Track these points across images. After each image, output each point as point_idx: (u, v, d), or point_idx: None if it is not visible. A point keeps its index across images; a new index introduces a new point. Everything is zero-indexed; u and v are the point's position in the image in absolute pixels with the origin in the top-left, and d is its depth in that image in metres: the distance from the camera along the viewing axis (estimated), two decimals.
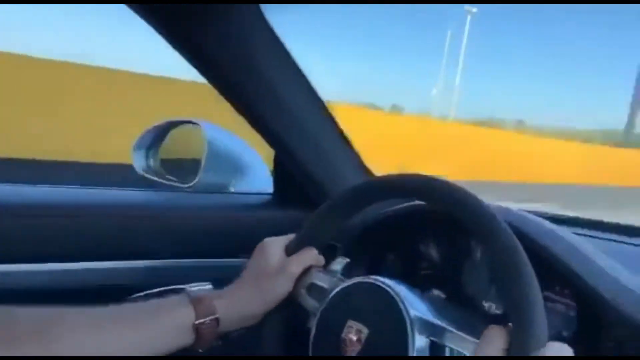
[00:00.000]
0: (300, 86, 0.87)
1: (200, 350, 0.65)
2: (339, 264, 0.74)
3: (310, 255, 0.72)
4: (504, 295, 0.52)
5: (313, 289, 0.71)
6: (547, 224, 0.72)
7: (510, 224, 0.56)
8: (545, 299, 0.74)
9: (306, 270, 0.71)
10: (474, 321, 0.59)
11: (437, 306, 0.62)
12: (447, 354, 0.57)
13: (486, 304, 0.75)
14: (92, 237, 0.84)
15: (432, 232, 0.86)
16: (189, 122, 1.06)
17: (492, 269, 0.55)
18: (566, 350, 0.49)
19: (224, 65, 0.80)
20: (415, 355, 0.56)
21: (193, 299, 0.65)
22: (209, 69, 0.82)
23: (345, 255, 0.87)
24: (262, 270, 0.70)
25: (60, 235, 0.81)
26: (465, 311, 0.74)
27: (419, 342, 0.57)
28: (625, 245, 0.96)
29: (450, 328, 0.57)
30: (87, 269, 0.82)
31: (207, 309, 0.64)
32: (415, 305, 0.60)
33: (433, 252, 0.88)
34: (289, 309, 0.71)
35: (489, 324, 0.53)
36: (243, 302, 0.68)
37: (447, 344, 0.57)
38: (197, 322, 0.63)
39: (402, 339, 0.57)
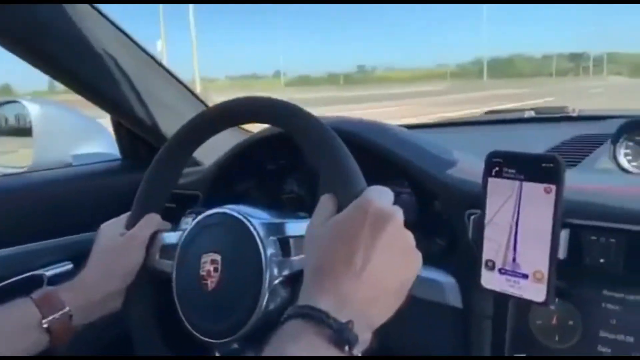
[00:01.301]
0: (112, 38, 0.84)
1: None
2: (186, 223, 0.72)
3: (152, 220, 0.69)
4: (320, 168, 0.55)
5: (165, 250, 0.69)
6: (375, 122, 0.76)
7: (335, 127, 0.58)
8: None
9: (154, 237, 0.69)
10: None
11: (278, 210, 0.64)
12: (292, 245, 0.59)
13: None
14: None
15: (287, 155, 0.88)
16: (8, 102, 0.97)
17: (307, 156, 0.57)
18: (384, 190, 0.51)
19: (41, 43, 0.75)
20: (268, 260, 0.58)
21: (37, 298, 0.61)
22: (12, 43, 0.75)
23: (207, 201, 0.87)
24: (106, 252, 0.67)
25: None
26: None
27: (269, 246, 0.59)
28: (459, 135, 1.07)
29: (289, 219, 0.61)
30: None
31: (54, 306, 0.61)
32: (255, 215, 0.62)
33: (291, 177, 0.91)
34: (149, 281, 0.69)
35: None
36: (95, 286, 0.65)
37: (289, 234, 0.60)
38: (45, 321, 0.60)
39: (253, 248, 0.59)
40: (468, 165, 0.68)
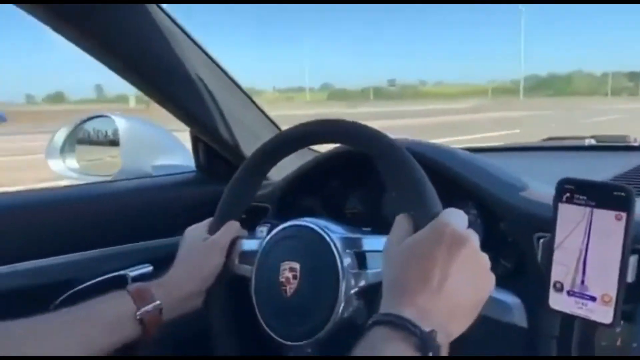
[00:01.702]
0: (199, 60, 0.91)
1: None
2: (261, 232, 0.79)
3: (232, 227, 0.75)
4: (397, 189, 0.59)
5: (244, 256, 0.75)
6: (444, 145, 0.80)
7: (407, 148, 0.62)
8: None
9: (234, 243, 0.75)
10: None
11: (343, 224, 0.69)
12: (368, 259, 0.64)
13: None
14: (26, 237, 0.84)
15: (351, 173, 0.92)
16: (98, 116, 1.06)
17: (385, 176, 0.62)
18: (459, 213, 0.55)
19: (126, 54, 0.82)
20: (345, 271, 0.63)
21: (131, 290, 0.67)
22: (112, 59, 0.84)
23: (276, 214, 0.93)
24: (191, 253, 0.74)
25: None
26: None
27: (346, 259, 0.64)
28: (520, 159, 1.09)
29: (365, 235, 0.65)
30: (25, 269, 0.82)
31: (146, 298, 0.66)
32: (332, 228, 0.67)
33: (355, 194, 0.95)
34: (229, 285, 0.74)
35: None
36: (181, 284, 0.71)
37: (366, 248, 0.64)
38: (139, 312, 0.65)
39: (330, 259, 0.64)
40: (534, 189, 0.71)
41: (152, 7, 0.80)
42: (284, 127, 0.74)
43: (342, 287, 0.63)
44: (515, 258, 0.69)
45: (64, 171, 1.08)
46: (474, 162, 0.76)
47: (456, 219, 0.53)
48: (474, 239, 0.52)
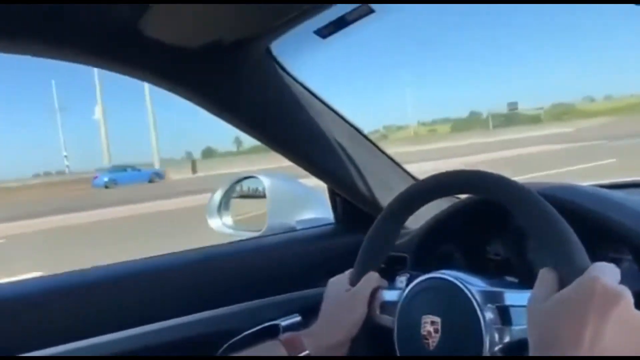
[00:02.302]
0: (329, 117, 0.98)
1: None
2: (400, 282, 0.80)
3: (372, 278, 0.78)
4: (541, 243, 0.56)
5: (385, 306, 0.77)
6: (587, 187, 0.75)
7: (543, 194, 0.61)
8: (611, 260, 0.77)
9: (374, 293, 0.78)
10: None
11: (492, 276, 0.67)
12: (512, 314, 0.62)
13: None
14: (191, 292, 0.95)
15: (490, 218, 0.90)
16: (247, 177, 1.18)
17: (527, 228, 0.60)
18: (610, 267, 0.51)
19: (260, 120, 0.92)
20: (487, 327, 0.62)
21: (284, 340, 0.73)
22: (248, 125, 0.93)
23: (414, 263, 0.94)
24: (335, 305, 0.78)
25: (159, 296, 0.93)
26: None
27: (487, 314, 0.62)
28: None
29: (507, 289, 0.63)
30: (191, 321, 0.93)
31: (297, 347, 0.72)
32: (471, 281, 0.66)
33: (496, 240, 0.93)
34: (371, 334, 0.77)
35: None
36: (327, 334, 0.75)
37: (508, 303, 0.62)
38: None
39: (472, 314, 0.63)
40: None
41: (279, 71, 0.89)
42: None
43: (486, 342, 0.61)
44: None
45: (220, 228, 1.20)
46: (618, 201, 0.71)
47: (606, 274, 0.50)
48: (628, 295, 0.49)
